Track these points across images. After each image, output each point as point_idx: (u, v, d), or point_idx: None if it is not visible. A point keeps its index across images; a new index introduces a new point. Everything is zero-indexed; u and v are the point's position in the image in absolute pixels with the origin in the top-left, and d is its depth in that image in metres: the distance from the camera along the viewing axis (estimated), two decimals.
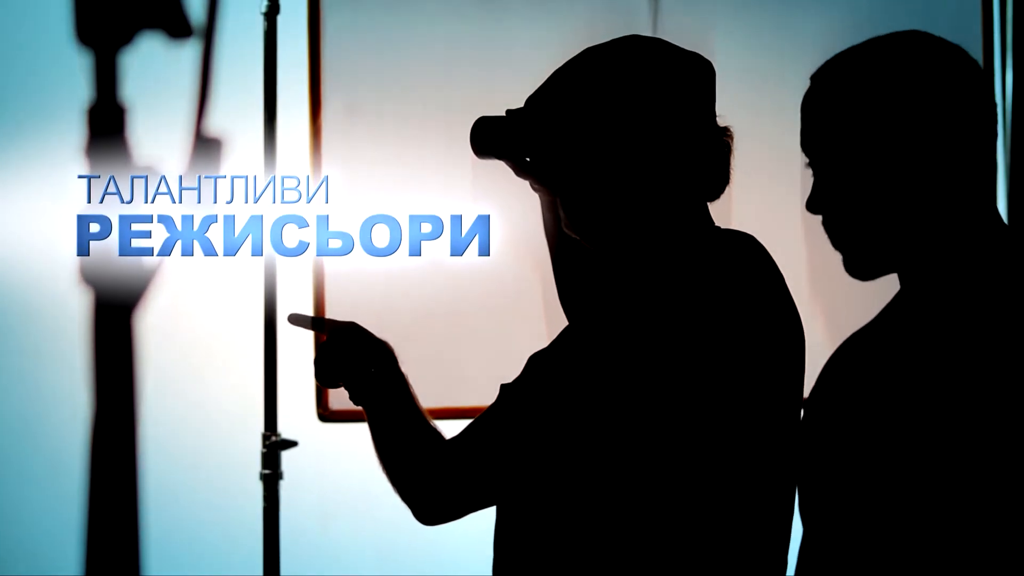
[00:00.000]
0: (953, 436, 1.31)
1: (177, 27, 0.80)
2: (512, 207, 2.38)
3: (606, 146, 1.67)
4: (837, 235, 1.45)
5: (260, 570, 2.78)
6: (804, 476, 1.48)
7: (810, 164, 1.48)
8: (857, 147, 1.41)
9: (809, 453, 1.47)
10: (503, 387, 1.68)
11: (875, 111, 1.40)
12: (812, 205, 1.47)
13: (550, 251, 2.04)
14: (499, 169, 1.94)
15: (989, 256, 1.41)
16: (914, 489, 1.33)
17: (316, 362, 1.86)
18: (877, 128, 1.40)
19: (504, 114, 1.85)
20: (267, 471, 2.77)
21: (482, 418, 1.68)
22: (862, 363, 1.43)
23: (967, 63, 1.42)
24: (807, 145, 1.47)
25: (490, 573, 1.80)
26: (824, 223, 1.47)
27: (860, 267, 1.45)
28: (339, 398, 2.93)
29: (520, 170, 1.90)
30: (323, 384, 1.88)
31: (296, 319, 1.97)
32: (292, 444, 2.80)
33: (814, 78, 1.47)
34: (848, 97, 1.42)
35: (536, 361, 1.66)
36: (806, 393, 1.62)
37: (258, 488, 2.78)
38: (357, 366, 1.82)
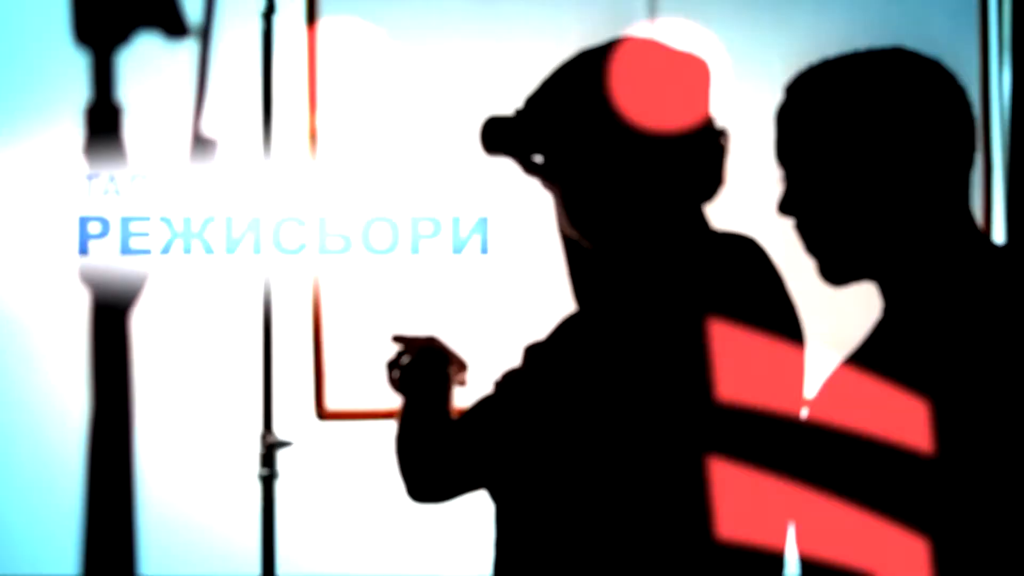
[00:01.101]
0: (951, 458, 1.31)
1: (175, 27, 0.81)
2: (512, 207, 2.39)
3: (603, 148, 1.68)
4: (809, 240, 1.46)
5: (258, 570, 2.78)
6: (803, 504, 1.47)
7: (784, 176, 1.48)
8: (830, 157, 1.41)
9: (808, 478, 1.46)
10: (496, 383, 1.70)
11: (849, 122, 1.40)
12: (784, 207, 1.47)
13: (563, 247, 2.04)
14: (499, 169, 1.94)
15: (972, 267, 1.41)
16: (917, 510, 1.33)
17: (400, 372, 1.91)
18: (850, 139, 1.40)
19: (513, 113, 1.86)
20: (264, 471, 2.78)
21: (477, 405, 1.70)
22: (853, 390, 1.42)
23: (944, 78, 1.42)
24: (781, 155, 1.47)
25: (489, 573, 1.80)
26: (797, 227, 1.47)
27: (833, 273, 1.46)
28: (336, 398, 2.93)
29: (528, 169, 1.91)
30: (396, 389, 1.92)
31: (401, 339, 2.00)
32: (289, 444, 2.80)
33: (788, 89, 1.47)
34: (822, 107, 1.42)
35: (532, 352, 1.68)
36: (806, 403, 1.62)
37: (255, 488, 2.78)
38: (435, 381, 1.87)
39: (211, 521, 3.03)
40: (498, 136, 1.87)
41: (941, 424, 1.32)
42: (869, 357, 1.44)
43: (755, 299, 1.70)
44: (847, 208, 1.41)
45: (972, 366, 1.33)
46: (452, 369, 1.92)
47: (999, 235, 3.02)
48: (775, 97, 1.49)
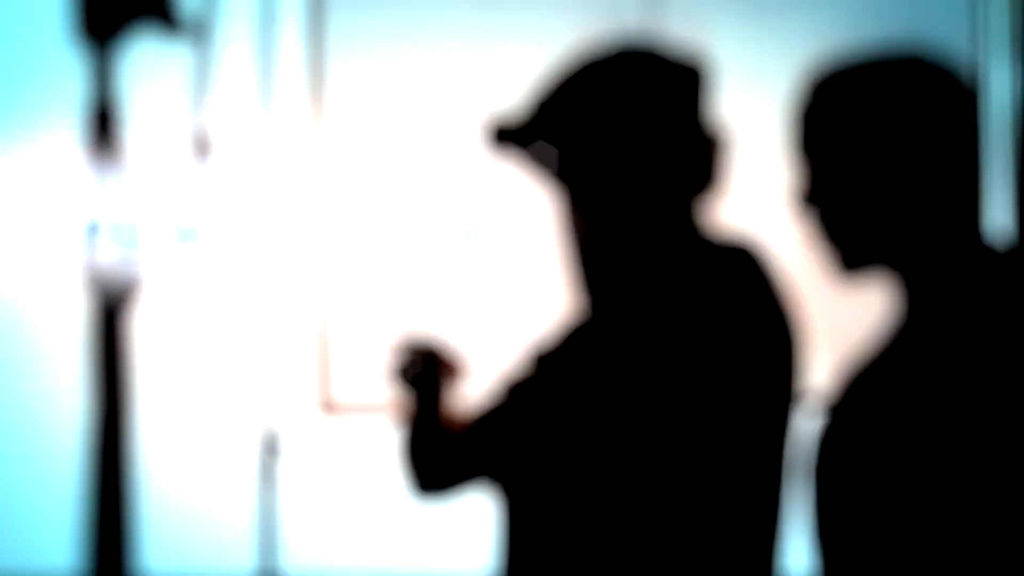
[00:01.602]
0: (970, 458, 1.31)
1: (173, 26, 0.81)
2: (512, 207, 2.39)
3: (601, 152, 1.69)
4: (832, 228, 1.47)
5: (259, 563, 2.78)
6: (821, 509, 1.47)
7: (809, 168, 1.49)
8: (848, 153, 1.42)
9: (826, 485, 1.46)
10: (506, 391, 1.70)
11: (870, 120, 1.42)
12: (809, 197, 1.48)
13: (563, 248, 2.04)
14: (499, 169, 1.95)
15: (988, 266, 1.42)
16: (939, 518, 1.33)
17: (404, 371, 1.91)
18: (870, 136, 1.41)
19: (517, 113, 1.86)
20: (267, 464, 2.78)
21: (484, 412, 1.70)
22: (873, 395, 1.42)
23: (959, 81, 1.44)
24: (808, 147, 1.48)
25: (490, 569, 1.81)
26: (820, 217, 1.48)
27: (852, 260, 1.46)
28: (341, 392, 2.94)
29: (532, 169, 1.91)
30: (401, 389, 1.92)
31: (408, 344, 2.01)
32: (292, 438, 2.81)
33: (816, 83, 1.48)
34: (856, 101, 1.43)
35: (532, 352, 1.68)
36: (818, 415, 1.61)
37: (258, 481, 2.79)
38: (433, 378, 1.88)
39: (214, 515, 3.04)
40: (503, 136, 1.87)
41: (961, 425, 1.32)
42: (888, 357, 1.44)
43: (749, 304, 1.70)
44: (873, 198, 1.42)
45: (994, 366, 1.34)
46: (455, 369, 1.93)
47: (998, 235, 3.02)
48: (774, 97, 1.49)
